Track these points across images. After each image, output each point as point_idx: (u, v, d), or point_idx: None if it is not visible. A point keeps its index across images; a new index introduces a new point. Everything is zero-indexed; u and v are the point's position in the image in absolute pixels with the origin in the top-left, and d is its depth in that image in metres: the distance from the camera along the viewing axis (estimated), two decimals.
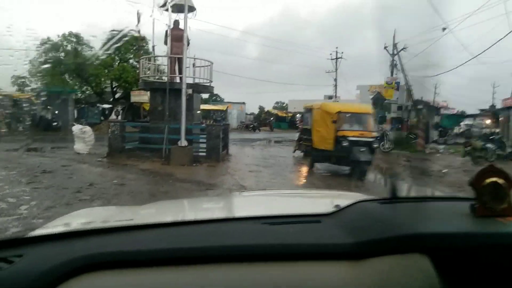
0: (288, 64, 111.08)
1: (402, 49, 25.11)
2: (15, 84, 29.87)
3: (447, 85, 67.20)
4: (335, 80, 46.82)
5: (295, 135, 34.13)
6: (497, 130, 24.59)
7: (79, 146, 14.88)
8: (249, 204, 1.82)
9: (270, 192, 3.75)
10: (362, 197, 1.47)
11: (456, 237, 0.94)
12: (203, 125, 16.57)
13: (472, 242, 0.92)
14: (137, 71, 20.73)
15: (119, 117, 27.59)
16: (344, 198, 1.67)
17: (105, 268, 0.87)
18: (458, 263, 0.90)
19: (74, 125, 16.43)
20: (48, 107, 27.56)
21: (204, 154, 13.79)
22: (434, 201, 1.45)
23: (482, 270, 0.90)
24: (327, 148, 11.28)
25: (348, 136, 10.99)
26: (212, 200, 2.79)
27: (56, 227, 1.36)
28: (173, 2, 13.83)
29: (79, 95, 34.63)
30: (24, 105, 25.76)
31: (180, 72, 14.22)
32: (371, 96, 71.93)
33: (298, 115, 48.71)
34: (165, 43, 14.70)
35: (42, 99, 27.23)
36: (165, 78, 14.64)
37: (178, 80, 14.34)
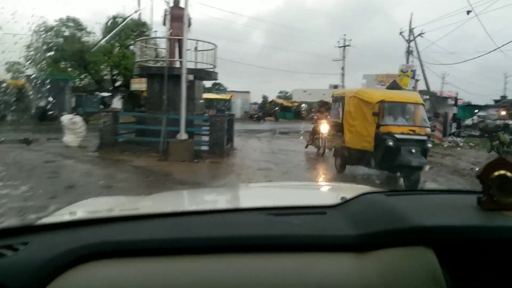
0: (292, 52, 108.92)
1: (419, 35, 23.28)
2: (10, 70, 28.20)
3: (455, 74, 65.06)
4: (343, 68, 44.89)
5: (301, 126, 32.71)
6: None
7: (69, 138, 13.27)
8: (255, 195, 1.81)
9: (276, 183, 3.60)
10: (368, 189, 1.48)
11: (462, 230, 0.91)
12: (206, 115, 14.87)
13: (478, 236, 0.90)
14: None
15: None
16: (350, 190, 1.65)
17: (110, 256, 0.86)
18: (464, 257, 0.88)
19: (63, 114, 14.77)
20: (45, 95, 25.96)
21: (206, 148, 12.18)
22: (440, 193, 1.47)
23: (487, 264, 0.88)
24: (364, 148, 8.74)
25: (394, 133, 8.29)
26: (218, 191, 2.72)
27: (62, 215, 1.41)
28: None
29: (78, 83, 32.94)
30: (18, 93, 24.16)
31: (180, 56, 12.55)
32: (385, 86, 70.26)
33: (303, 105, 46.97)
34: (164, 23, 13.02)
35: (38, 87, 25.63)
36: (164, 63, 12.93)
37: (178, 65, 12.67)
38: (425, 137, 8.58)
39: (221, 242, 0.91)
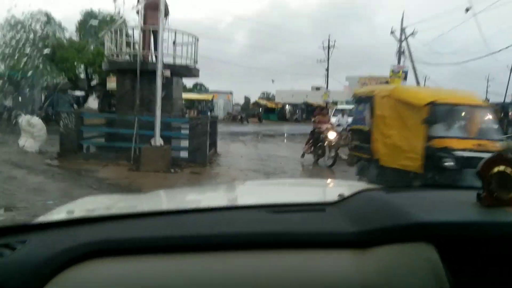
0: (275, 53, 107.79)
1: (410, 34, 22.01)
2: None
3: (434, 77, 64.67)
4: (327, 69, 43.57)
5: (286, 128, 31.27)
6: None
7: (26, 143, 11.34)
8: (253, 193, 1.77)
9: (274, 181, 3.52)
10: (366, 186, 1.49)
11: (462, 226, 0.91)
12: (186, 117, 13.09)
13: (478, 232, 0.89)
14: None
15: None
16: (349, 187, 1.62)
17: (108, 255, 0.85)
18: (464, 253, 0.87)
19: (20, 115, 12.75)
20: (9, 94, 23.70)
21: (186, 155, 10.45)
22: (440, 189, 1.45)
23: (488, 259, 0.87)
24: (406, 168, 6.21)
25: (454, 149, 5.81)
26: (215, 189, 2.62)
27: (59, 214, 1.36)
28: None
29: (50, 81, 30.60)
30: None
31: (156, 49, 10.78)
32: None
33: (287, 106, 45.52)
34: (137, 12, 11.23)
35: (2, 84, 23.37)
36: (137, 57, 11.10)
37: (154, 60, 10.89)
38: None
39: (219, 239, 0.89)
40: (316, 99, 48.95)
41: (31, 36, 28.14)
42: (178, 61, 11.66)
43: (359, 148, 7.63)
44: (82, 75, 30.94)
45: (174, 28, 11.38)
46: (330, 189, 1.90)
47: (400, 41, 21.90)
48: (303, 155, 12.06)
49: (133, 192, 7.15)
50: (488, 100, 39.23)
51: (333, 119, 23.20)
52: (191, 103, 36.48)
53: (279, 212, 1.06)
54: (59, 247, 0.84)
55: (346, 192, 1.17)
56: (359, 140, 7.66)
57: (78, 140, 10.59)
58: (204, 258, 0.86)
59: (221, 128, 25.93)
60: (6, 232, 0.93)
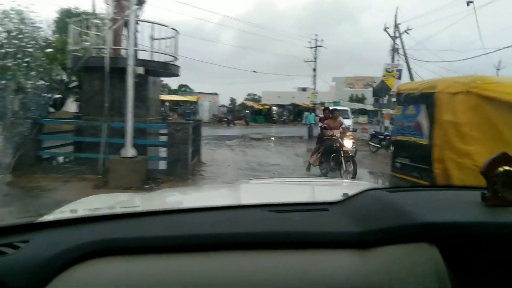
0: (261, 55, 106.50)
1: (405, 31, 20.76)
2: None
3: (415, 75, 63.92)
4: (314, 70, 42.23)
5: (275, 131, 29.79)
6: None
7: None
8: (256, 192, 1.75)
9: (278, 180, 3.49)
10: (370, 186, 1.45)
11: (465, 226, 0.89)
12: (170, 120, 11.46)
13: (482, 232, 0.88)
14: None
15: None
16: (352, 186, 1.62)
17: (112, 254, 0.84)
18: (468, 253, 0.87)
19: None
20: None
21: (165, 167, 8.87)
22: (444, 190, 1.42)
23: (491, 260, 0.87)
24: None
25: None
26: (219, 188, 2.60)
27: (63, 213, 1.32)
28: None
29: (25, 82, 28.52)
30: None
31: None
32: (355, 88, 67.39)
33: (274, 108, 44.03)
34: (106, 1, 9.62)
35: None
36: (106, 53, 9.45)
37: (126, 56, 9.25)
38: None
39: (222, 239, 0.89)
40: (303, 100, 47.66)
41: (3, 35, 26.16)
42: (157, 58, 10.08)
43: (410, 169, 5.48)
44: (62, 76, 29.01)
45: (151, 20, 9.76)
46: (333, 188, 1.86)
47: (394, 38, 20.66)
48: (308, 168, 9.71)
49: None
50: None
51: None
52: (174, 105, 34.77)
53: (282, 211, 1.04)
54: (62, 246, 0.83)
55: (350, 191, 1.16)
56: (410, 158, 5.50)
57: (37, 151, 8.91)
58: (207, 258, 0.84)
59: (206, 131, 24.29)
60: (9, 231, 0.92)
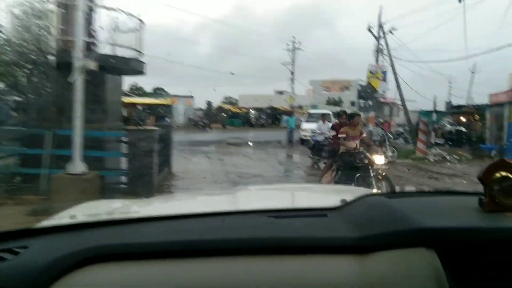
0: (239, 58, 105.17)
1: (389, 31, 19.66)
2: None
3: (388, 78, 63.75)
4: (292, 73, 41.02)
5: (253, 135, 28.32)
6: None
7: None
8: (255, 198, 1.74)
9: (276, 186, 3.43)
10: (368, 192, 1.48)
11: (463, 231, 0.89)
12: (125, 129, 9.71)
13: (480, 237, 0.88)
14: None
15: None
16: (350, 192, 1.62)
17: (110, 260, 0.83)
18: (466, 258, 0.86)
19: None
20: None
21: (125, 184, 7.23)
22: (441, 195, 1.44)
23: (489, 265, 0.86)
24: None
25: None
26: (218, 193, 2.58)
27: (61, 219, 1.29)
28: None
29: None
30: None
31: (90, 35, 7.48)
32: (331, 92, 66.67)
33: (252, 111, 42.61)
34: None
35: None
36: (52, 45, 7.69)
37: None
38: None
39: (221, 244, 0.87)
40: (281, 103, 46.46)
41: None
42: (120, 54, 8.42)
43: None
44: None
45: (110, 6, 8.10)
46: (332, 194, 1.84)
47: (378, 38, 19.57)
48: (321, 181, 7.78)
49: None
50: (450, 102, 37.94)
51: (308, 125, 20.57)
52: (148, 109, 32.81)
53: (281, 217, 1.03)
54: (60, 252, 0.82)
55: (348, 197, 1.15)
56: None
57: None
58: (206, 264, 0.83)
59: (180, 136, 22.56)
60: (8, 237, 0.91)
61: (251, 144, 20.71)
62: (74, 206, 1.53)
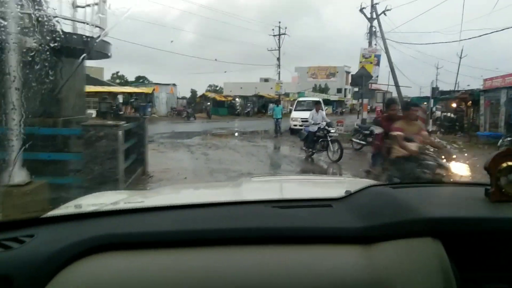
0: (223, 45, 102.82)
1: (383, 12, 18.31)
2: None
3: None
4: (278, 59, 39.50)
5: (240, 125, 26.86)
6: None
7: None
8: (260, 188, 1.73)
9: (281, 177, 3.35)
10: (372, 182, 1.44)
11: (469, 221, 0.88)
12: (81, 125, 8.12)
13: (486, 227, 0.87)
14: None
15: None
16: (355, 183, 1.56)
17: (115, 249, 0.83)
18: (471, 248, 0.86)
19: None
20: None
21: (82, 194, 5.75)
22: (447, 185, 1.41)
23: (495, 255, 0.86)
24: None
25: None
26: (222, 184, 2.52)
27: (67, 208, 1.32)
28: None
29: None
30: None
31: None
32: (318, 79, 65.35)
33: (237, 99, 41.01)
34: None
35: None
36: None
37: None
38: None
39: (226, 234, 0.87)
40: (266, 91, 44.94)
41: None
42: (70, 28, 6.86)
43: None
44: None
45: None
46: (336, 185, 1.83)
47: (371, 19, 18.20)
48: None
49: None
50: (438, 88, 36.94)
51: (298, 114, 19.22)
52: (130, 99, 30.96)
53: (286, 207, 1.03)
54: (66, 241, 0.82)
55: (353, 188, 1.14)
56: None
57: None
58: (211, 253, 0.83)
59: (161, 127, 20.97)
60: (15, 226, 0.91)
61: (239, 135, 19.29)
62: (79, 197, 1.50)
